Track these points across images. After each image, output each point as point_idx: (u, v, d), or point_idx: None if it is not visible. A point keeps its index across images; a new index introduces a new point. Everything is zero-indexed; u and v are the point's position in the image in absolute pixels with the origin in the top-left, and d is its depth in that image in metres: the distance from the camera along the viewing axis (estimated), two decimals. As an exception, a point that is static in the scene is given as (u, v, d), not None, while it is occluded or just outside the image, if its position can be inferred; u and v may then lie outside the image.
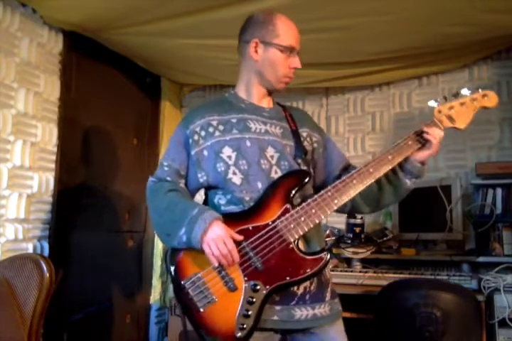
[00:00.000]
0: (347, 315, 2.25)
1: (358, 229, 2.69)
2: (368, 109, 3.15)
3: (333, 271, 2.55)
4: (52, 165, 2.40)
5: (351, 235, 2.69)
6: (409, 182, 1.44)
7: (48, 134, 2.37)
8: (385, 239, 2.69)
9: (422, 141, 1.43)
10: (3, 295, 1.73)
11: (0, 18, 2.14)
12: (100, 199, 2.77)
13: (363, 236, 2.69)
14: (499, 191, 2.48)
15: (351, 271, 2.54)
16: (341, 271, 2.56)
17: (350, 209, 1.53)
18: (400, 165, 1.42)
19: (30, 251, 2.22)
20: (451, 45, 2.55)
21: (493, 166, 2.51)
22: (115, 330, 2.83)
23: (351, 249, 2.65)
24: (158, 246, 3.10)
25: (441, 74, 2.95)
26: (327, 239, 2.77)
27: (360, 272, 2.50)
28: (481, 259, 2.41)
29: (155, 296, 3.08)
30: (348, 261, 2.75)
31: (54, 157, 2.41)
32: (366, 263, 2.67)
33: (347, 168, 1.55)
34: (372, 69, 2.85)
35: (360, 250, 2.63)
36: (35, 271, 1.77)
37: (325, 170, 1.55)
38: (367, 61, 2.73)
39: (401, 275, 2.36)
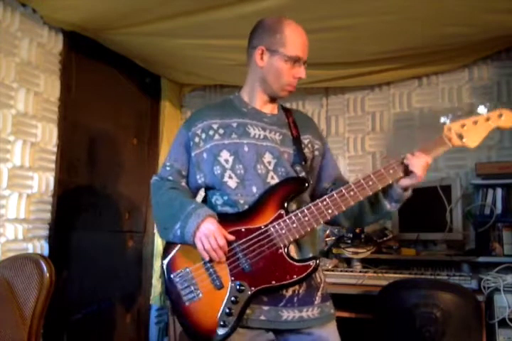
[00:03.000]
0: (347, 315, 2.26)
1: (358, 229, 2.69)
2: (368, 109, 3.15)
3: (333, 271, 2.56)
4: (52, 165, 2.40)
5: (351, 235, 2.69)
6: (388, 206, 1.43)
7: (47, 134, 2.37)
8: (385, 239, 2.69)
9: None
10: (3, 295, 1.73)
11: (0, 18, 2.14)
12: (100, 199, 2.77)
13: (363, 236, 2.69)
14: (499, 191, 2.48)
15: (351, 271, 2.54)
16: (341, 271, 2.56)
17: (331, 222, 1.52)
18: (383, 188, 1.41)
19: (30, 251, 2.22)
20: (451, 45, 2.55)
21: (493, 166, 2.51)
22: (115, 330, 2.83)
23: (351, 249, 2.65)
24: (158, 246, 3.10)
25: (441, 74, 2.95)
26: (327, 239, 2.77)
27: (360, 272, 2.49)
28: (481, 259, 2.41)
29: (155, 296, 3.08)
30: (348, 261, 2.75)
31: (54, 157, 2.41)
32: (366, 263, 2.67)
33: (336, 181, 1.55)
34: (372, 69, 2.85)
35: (360, 250, 2.63)
36: (35, 271, 1.77)
37: (316, 179, 1.55)
38: (367, 61, 2.73)
39: (401, 276, 2.36)
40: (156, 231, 3.02)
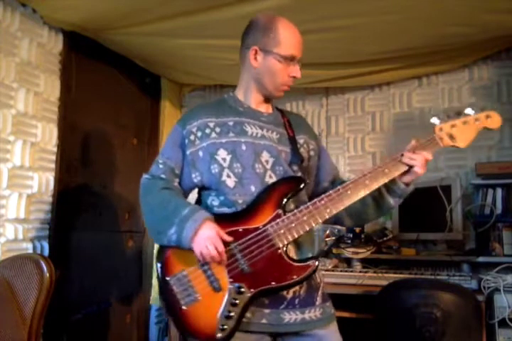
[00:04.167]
0: (347, 315, 2.26)
1: (358, 229, 2.69)
2: (368, 109, 3.15)
3: (333, 271, 2.56)
4: (52, 165, 2.40)
5: (351, 235, 2.70)
6: (392, 201, 1.43)
7: (48, 134, 2.37)
8: (385, 239, 2.69)
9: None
10: (3, 295, 1.73)
11: (0, 18, 2.14)
12: (100, 199, 2.77)
13: (363, 236, 2.69)
14: (499, 191, 2.48)
15: (351, 271, 2.54)
16: (341, 271, 2.56)
17: (334, 221, 1.51)
18: (385, 183, 1.41)
19: (30, 251, 2.22)
20: (452, 45, 2.55)
21: (493, 166, 2.51)
22: (115, 330, 2.82)
23: (351, 249, 2.65)
24: (158, 246, 3.10)
25: (441, 74, 2.95)
26: (327, 239, 2.77)
27: (360, 272, 2.49)
28: (481, 259, 2.41)
29: (155, 296, 3.07)
30: (348, 261, 2.75)
31: (54, 157, 2.41)
32: (366, 263, 2.67)
33: (335, 180, 1.55)
34: (372, 69, 2.85)
35: (360, 250, 2.63)
36: (35, 271, 1.77)
37: (315, 179, 1.54)
38: (367, 61, 2.73)
39: (401, 275, 2.36)
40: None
